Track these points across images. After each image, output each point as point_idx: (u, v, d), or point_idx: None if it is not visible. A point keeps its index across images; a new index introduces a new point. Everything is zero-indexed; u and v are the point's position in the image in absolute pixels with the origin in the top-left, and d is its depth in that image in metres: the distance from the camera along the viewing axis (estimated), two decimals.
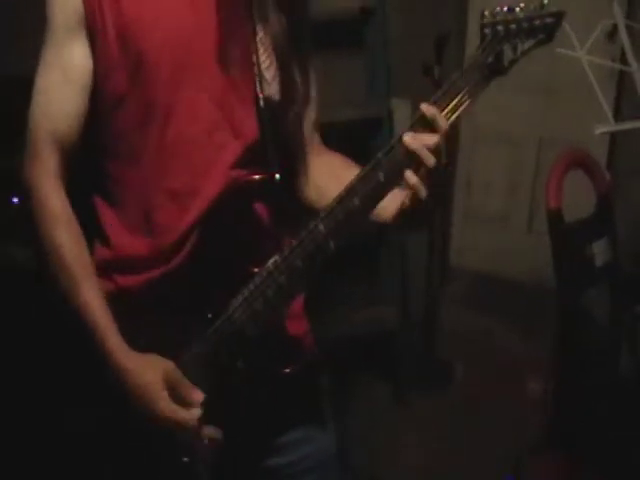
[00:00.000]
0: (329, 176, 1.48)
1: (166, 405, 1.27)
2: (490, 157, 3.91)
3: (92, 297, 1.30)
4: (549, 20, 1.30)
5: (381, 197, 1.29)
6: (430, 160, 1.25)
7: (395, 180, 1.29)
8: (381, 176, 1.27)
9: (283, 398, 1.40)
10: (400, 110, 3.17)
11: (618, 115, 3.16)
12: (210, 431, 1.31)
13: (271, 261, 1.32)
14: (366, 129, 3.08)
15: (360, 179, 1.28)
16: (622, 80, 3.47)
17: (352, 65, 3.15)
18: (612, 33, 3.11)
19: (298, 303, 1.48)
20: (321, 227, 1.28)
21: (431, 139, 1.25)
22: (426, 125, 1.26)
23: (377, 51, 3.10)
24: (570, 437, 2.51)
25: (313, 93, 1.47)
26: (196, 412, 1.28)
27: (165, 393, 1.28)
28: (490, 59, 1.29)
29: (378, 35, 3.09)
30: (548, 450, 2.56)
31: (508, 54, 1.29)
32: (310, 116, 1.49)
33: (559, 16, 1.31)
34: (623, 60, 2.75)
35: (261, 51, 1.36)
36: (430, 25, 3.48)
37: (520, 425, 2.90)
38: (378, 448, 2.97)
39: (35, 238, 1.33)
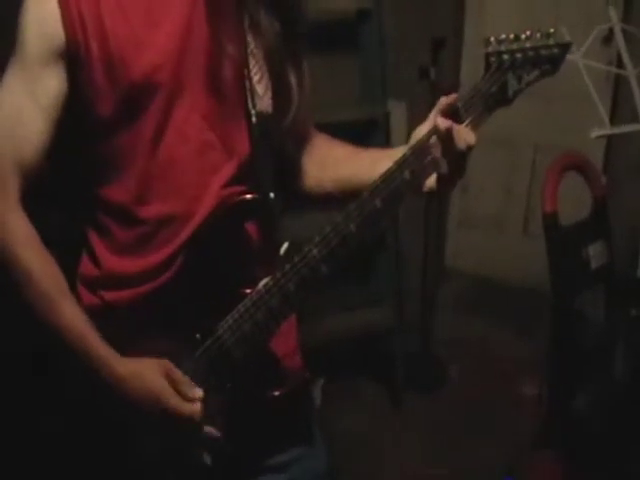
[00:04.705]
0: (321, 165, 1.47)
1: (175, 400, 1.24)
2: (486, 160, 3.91)
3: (74, 315, 1.26)
4: (556, 51, 1.26)
5: (377, 223, 1.25)
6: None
7: (393, 207, 1.26)
8: (378, 202, 1.24)
9: (272, 419, 1.37)
10: (396, 111, 3.18)
11: (615, 119, 3.16)
12: (210, 429, 1.29)
13: (262, 283, 1.29)
14: (362, 131, 3.07)
15: (357, 205, 1.24)
16: (618, 84, 3.48)
17: (348, 66, 3.15)
18: (608, 37, 3.12)
19: (290, 321, 1.43)
20: (315, 252, 1.25)
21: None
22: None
23: (373, 53, 3.10)
24: (565, 439, 2.51)
25: (307, 92, 1.43)
26: (198, 406, 1.25)
27: (167, 384, 1.25)
28: (494, 89, 1.24)
29: (374, 37, 3.08)
30: (544, 451, 2.56)
31: (513, 84, 1.24)
32: (304, 113, 1.43)
33: (566, 47, 1.27)
34: (620, 64, 2.76)
35: (252, 63, 1.32)
36: (426, 27, 3.48)
37: (516, 426, 2.90)
38: (374, 450, 2.97)
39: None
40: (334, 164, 1.46)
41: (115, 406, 1.27)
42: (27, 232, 1.28)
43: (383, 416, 3.22)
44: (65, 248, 1.35)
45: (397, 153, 1.28)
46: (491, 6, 3.97)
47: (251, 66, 1.32)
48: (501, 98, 1.25)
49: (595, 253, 2.51)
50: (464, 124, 1.24)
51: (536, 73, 1.26)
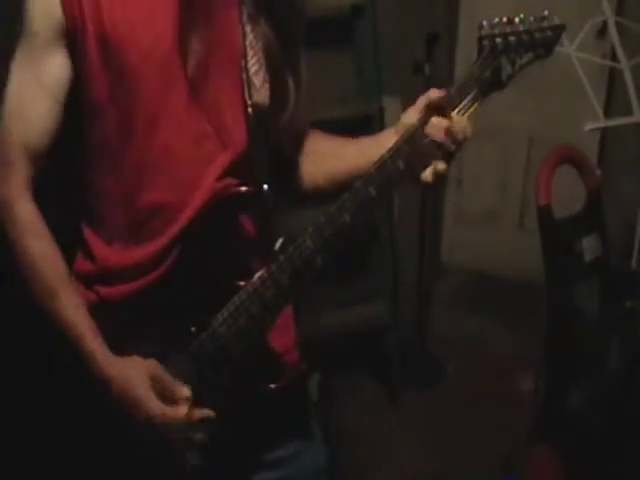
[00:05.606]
0: (313, 160, 1.48)
1: (155, 405, 1.24)
2: (480, 154, 3.91)
3: (69, 305, 1.27)
4: (549, 34, 1.25)
5: (371, 212, 1.26)
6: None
7: (387, 196, 1.27)
8: (372, 191, 1.24)
9: (270, 414, 1.38)
10: (391, 108, 3.17)
11: (609, 112, 3.17)
12: (203, 413, 1.29)
13: (257, 276, 1.29)
14: (356, 127, 3.07)
15: (351, 195, 1.25)
16: (612, 77, 3.48)
17: (343, 62, 3.15)
18: (602, 30, 3.12)
19: (286, 315, 1.43)
20: (309, 242, 1.25)
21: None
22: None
23: (368, 48, 3.10)
24: (561, 433, 2.52)
25: (304, 91, 1.44)
26: (184, 409, 1.25)
27: (152, 393, 1.25)
28: (487, 73, 1.23)
29: (369, 32, 3.08)
30: (540, 446, 2.56)
31: (506, 68, 1.23)
32: (301, 111, 1.44)
33: (560, 29, 1.26)
34: (614, 57, 2.76)
35: (250, 55, 1.32)
36: (421, 22, 3.48)
37: (513, 422, 2.91)
38: (370, 446, 2.97)
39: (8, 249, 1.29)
40: (323, 157, 1.47)
41: (105, 402, 1.28)
42: (33, 219, 1.29)
43: (380, 412, 3.22)
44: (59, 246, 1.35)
45: (386, 140, 1.29)
46: (484, 1, 3.96)
47: (249, 57, 1.33)
48: (495, 82, 1.24)
49: (589, 246, 2.52)
50: (458, 108, 1.23)
51: (530, 56, 1.25)
